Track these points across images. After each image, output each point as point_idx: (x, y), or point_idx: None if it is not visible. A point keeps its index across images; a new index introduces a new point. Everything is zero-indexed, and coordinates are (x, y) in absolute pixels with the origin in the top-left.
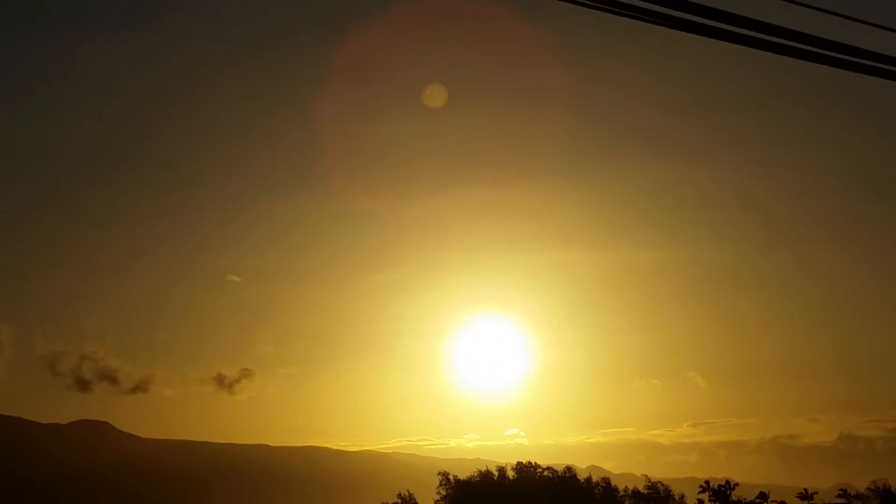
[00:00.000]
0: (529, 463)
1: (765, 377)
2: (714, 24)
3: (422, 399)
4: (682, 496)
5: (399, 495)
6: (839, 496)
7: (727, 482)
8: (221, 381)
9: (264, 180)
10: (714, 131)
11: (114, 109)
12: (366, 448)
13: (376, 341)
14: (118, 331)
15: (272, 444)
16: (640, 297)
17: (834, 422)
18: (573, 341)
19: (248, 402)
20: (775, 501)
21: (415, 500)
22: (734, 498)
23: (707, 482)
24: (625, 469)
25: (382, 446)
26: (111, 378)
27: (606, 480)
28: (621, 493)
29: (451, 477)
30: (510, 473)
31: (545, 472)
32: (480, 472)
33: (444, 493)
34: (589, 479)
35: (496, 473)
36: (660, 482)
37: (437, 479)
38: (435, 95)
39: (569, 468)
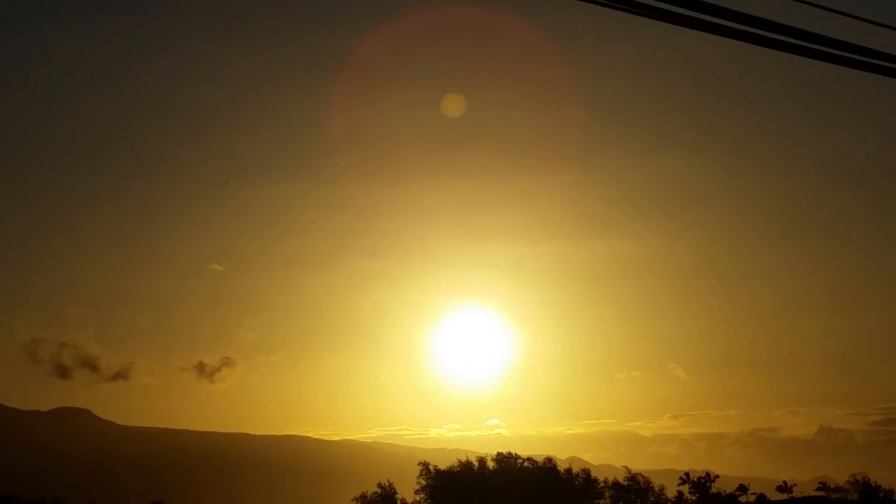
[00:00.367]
0: (510, 454)
1: (745, 369)
2: (695, 15)
3: (403, 388)
4: (662, 488)
5: (379, 485)
6: (819, 489)
7: (707, 474)
8: (202, 370)
9: (246, 169)
10: (695, 124)
11: (97, 98)
12: (346, 437)
13: (358, 330)
14: (99, 318)
15: (253, 432)
16: (621, 289)
17: (814, 414)
18: (555, 332)
19: (229, 390)
20: (755, 493)
21: (395, 489)
22: (714, 490)
23: (687, 474)
24: (605, 460)
25: (363, 435)
26: (92, 365)
27: (587, 472)
28: (601, 485)
29: (431, 467)
30: (490, 464)
31: (525, 463)
32: (461, 462)
33: (424, 482)
34: (569, 471)
35: (476, 464)
36: (640, 474)
37: (417, 469)
38: (449, 101)
39: (549, 459)
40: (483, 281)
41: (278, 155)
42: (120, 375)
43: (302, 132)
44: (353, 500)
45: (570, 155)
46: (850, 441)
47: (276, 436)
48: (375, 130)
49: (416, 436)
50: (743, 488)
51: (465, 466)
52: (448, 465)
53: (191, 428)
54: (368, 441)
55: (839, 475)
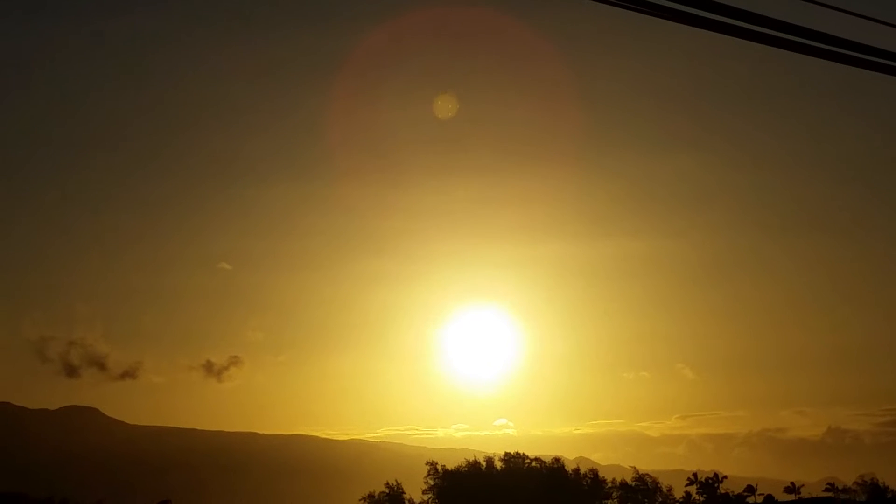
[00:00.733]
0: (517, 454)
1: (753, 370)
2: (697, 13)
3: (411, 388)
4: (670, 488)
5: (387, 485)
6: (827, 490)
7: (715, 475)
8: (210, 369)
9: (255, 169)
10: (702, 122)
11: (104, 96)
12: (354, 437)
13: (366, 330)
14: (107, 317)
15: (261, 431)
16: (629, 289)
17: (822, 415)
18: (562, 332)
19: (237, 389)
20: (763, 494)
21: (403, 489)
22: (722, 490)
23: (695, 475)
24: (613, 461)
25: (371, 435)
26: (100, 364)
27: (594, 472)
28: (609, 485)
29: (439, 467)
30: (498, 464)
31: (533, 463)
32: (468, 462)
33: (431, 482)
34: (577, 471)
35: (484, 464)
36: (647, 474)
37: (425, 469)
38: (443, 101)
39: (557, 459)
40: (490, 281)
41: (284, 155)
42: (128, 374)
43: (310, 132)
44: (360, 500)
45: (575, 154)
46: (857, 442)
47: (284, 435)
48: (378, 131)
49: (424, 435)
50: (751, 489)
51: (473, 466)
52: (456, 465)
53: (198, 427)
54: (376, 441)
55: (847, 476)
